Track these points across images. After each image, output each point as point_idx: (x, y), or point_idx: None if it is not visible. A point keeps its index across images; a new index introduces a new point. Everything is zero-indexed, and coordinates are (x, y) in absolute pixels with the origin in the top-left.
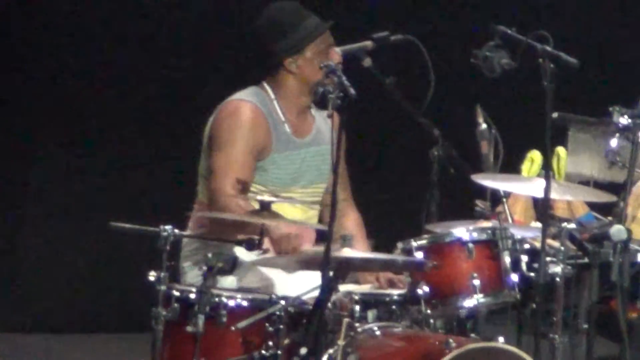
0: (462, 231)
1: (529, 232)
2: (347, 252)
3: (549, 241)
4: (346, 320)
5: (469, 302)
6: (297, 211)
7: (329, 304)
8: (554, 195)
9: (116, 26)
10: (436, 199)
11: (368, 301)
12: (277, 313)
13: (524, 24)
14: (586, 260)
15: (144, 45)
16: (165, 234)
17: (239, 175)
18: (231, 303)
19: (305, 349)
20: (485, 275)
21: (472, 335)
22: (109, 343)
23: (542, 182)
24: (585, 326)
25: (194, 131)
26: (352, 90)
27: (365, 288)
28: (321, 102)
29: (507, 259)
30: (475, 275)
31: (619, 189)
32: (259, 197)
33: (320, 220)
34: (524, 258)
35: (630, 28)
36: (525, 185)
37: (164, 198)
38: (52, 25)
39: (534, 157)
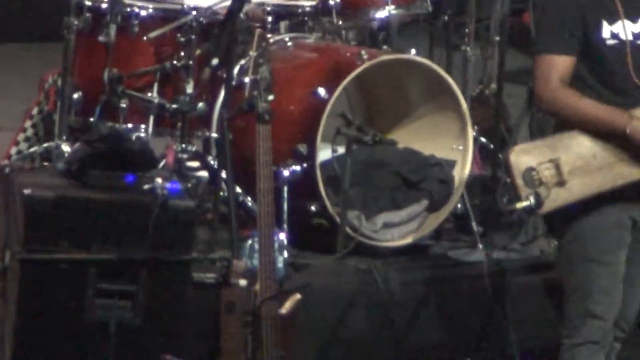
0: None
1: None
2: None
3: None
4: (258, 31)
5: (381, 13)
6: None
7: (241, 15)
8: None
9: None
10: None
11: (280, 12)
12: (189, 24)
13: None
14: None
15: None
16: None
17: None
18: (143, 13)
19: (217, 60)
20: None
21: (384, 47)
22: (20, 52)
23: None
24: (497, 38)
25: None
26: None
27: None
28: None
29: None
30: None
31: None
32: None
33: None
34: None
35: None
36: None
37: None
38: None
39: None
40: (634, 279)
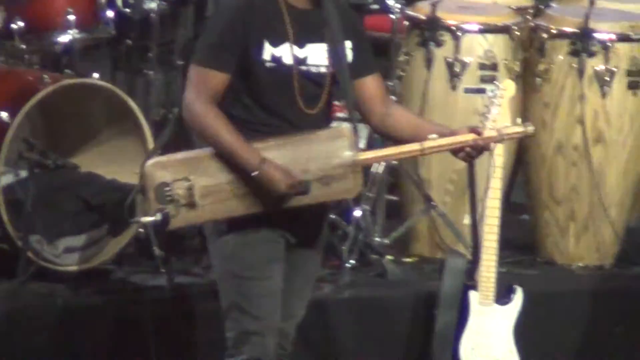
0: None
1: None
2: None
3: None
4: None
5: (64, 37)
6: None
7: None
8: None
9: None
10: None
11: None
12: None
13: None
14: None
15: None
16: None
17: None
18: None
19: None
20: (81, 10)
21: (67, 71)
22: None
23: None
24: (180, 62)
25: None
26: None
27: None
28: None
29: None
30: (70, 10)
31: None
32: None
33: None
34: None
35: None
36: None
37: None
38: None
39: None
40: (291, 294)
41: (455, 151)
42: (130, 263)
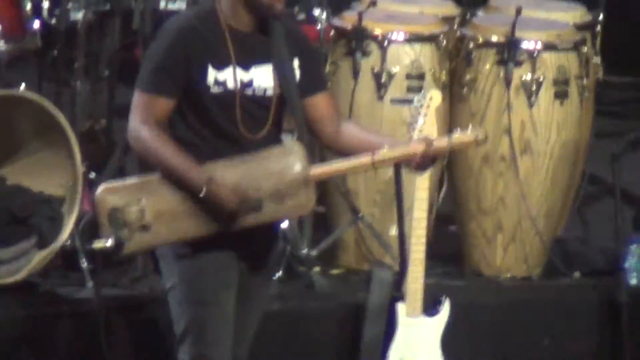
0: None
1: None
2: None
3: None
4: None
5: None
6: None
7: None
8: None
9: None
10: None
11: None
12: None
13: None
14: (108, 7)
15: None
16: None
17: None
18: None
19: None
20: (7, 21)
21: None
22: None
23: None
24: (107, 73)
25: None
26: None
27: None
28: None
29: (28, 5)
30: None
31: None
32: None
33: None
34: (46, 4)
35: None
36: None
37: None
38: None
39: None
40: (243, 320)
41: (407, 162)
42: (58, 275)
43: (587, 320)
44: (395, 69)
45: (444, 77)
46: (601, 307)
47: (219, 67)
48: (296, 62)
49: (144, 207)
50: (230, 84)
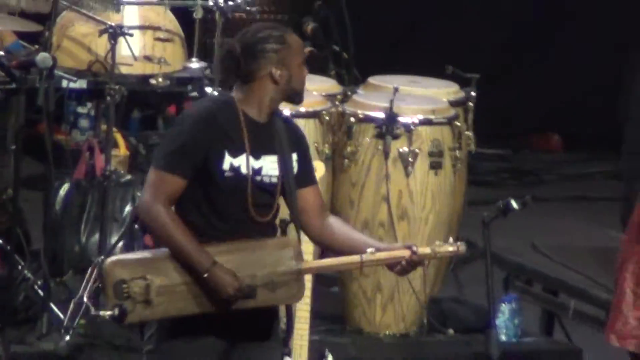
0: None
1: None
2: None
3: None
4: None
5: None
6: None
7: None
8: None
9: None
10: None
11: None
12: None
13: None
14: (14, 85)
15: None
16: None
17: None
18: None
19: None
20: None
21: None
22: None
23: None
24: (13, 147)
25: None
26: None
27: None
28: None
29: None
30: None
31: (45, 19)
32: None
33: None
34: None
35: None
36: None
37: None
38: None
39: None
40: None
41: (391, 266)
42: None
43: None
44: None
45: (327, 149)
46: None
47: (234, 154)
48: (295, 156)
49: (149, 284)
50: (244, 170)
